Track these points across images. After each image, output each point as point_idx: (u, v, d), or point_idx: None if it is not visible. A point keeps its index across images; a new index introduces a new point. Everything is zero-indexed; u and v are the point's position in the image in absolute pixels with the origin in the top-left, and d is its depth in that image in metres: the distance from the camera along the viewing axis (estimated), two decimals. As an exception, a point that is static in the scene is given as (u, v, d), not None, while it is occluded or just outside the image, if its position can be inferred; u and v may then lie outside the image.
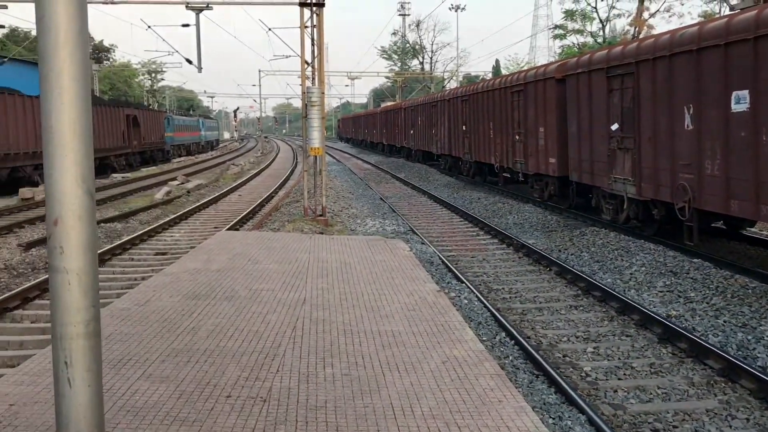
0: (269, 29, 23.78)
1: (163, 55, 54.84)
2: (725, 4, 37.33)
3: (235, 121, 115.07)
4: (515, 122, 20.71)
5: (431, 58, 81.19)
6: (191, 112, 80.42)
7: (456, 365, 5.71)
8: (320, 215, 16.26)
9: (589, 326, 8.55)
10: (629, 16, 46.57)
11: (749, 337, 7.63)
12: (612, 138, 14.45)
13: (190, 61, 26.78)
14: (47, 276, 10.92)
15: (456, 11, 59.96)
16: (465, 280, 10.59)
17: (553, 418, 5.73)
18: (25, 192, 22.99)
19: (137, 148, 41.84)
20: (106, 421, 3.59)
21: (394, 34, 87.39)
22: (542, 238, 14.63)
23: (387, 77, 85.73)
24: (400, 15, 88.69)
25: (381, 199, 22.64)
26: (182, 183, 28.83)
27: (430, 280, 9.05)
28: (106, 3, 22.36)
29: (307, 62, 16.82)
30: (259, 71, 61.86)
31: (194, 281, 8.88)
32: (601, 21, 47.68)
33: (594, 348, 7.71)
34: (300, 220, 15.84)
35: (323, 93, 16.31)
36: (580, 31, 49.34)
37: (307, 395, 5.05)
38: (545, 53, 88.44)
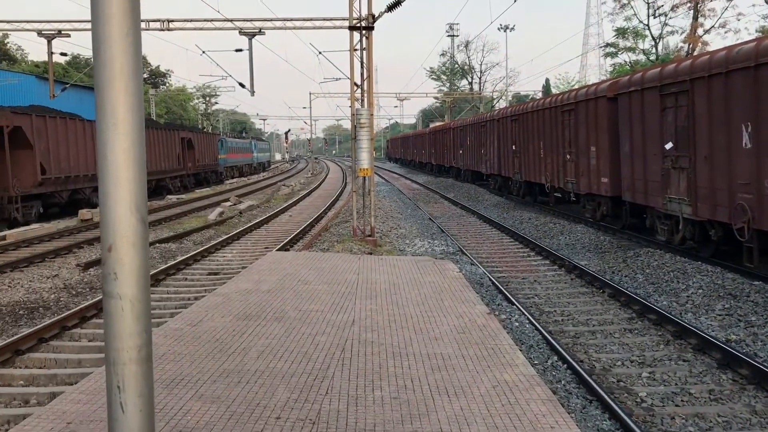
0: (320, 53, 24.13)
1: (217, 79, 56.08)
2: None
3: (286, 142, 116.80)
4: (566, 141, 20.47)
5: (480, 78, 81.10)
6: (244, 134, 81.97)
7: (507, 390, 5.61)
8: (369, 235, 16.30)
9: (644, 350, 8.32)
10: (683, 33, 45.73)
11: (815, 364, 7.30)
12: (666, 157, 14.13)
13: (243, 85, 27.37)
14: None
15: (505, 31, 59.84)
16: (516, 302, 10.44)
17: (608, 446, 5.57)
18: (85, 213, 23.72)
19: (192, 170, 42.80)
20: (159, 442, 3.63)
21: (442, 54, 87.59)
22: (595, 260, 14.36)
23: (436, 98, 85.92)
24: (448, 36, 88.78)
25: (430, 219, 22.60)
26: (235, 204, 29.32)
27: (480, 301, 8.95)
28: (162, 30, 23.08)
29: (356, 84, 16.98)
30: (310, 93, 62.76)
31: (245, 302, 8.98)
32: (653, 38, 46.93)
33: (650, 373, 7.49)
34: (349, 240, 15.91)
35: (372, 115, 16.43)
36: (631, 49, 48.63)
37: (356, 418, 5.02)
38: (596, 72, 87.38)
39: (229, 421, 4.96)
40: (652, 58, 46.51)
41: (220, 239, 18.04)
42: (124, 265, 2.08)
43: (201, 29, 23.34)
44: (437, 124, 61.92)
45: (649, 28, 46.64)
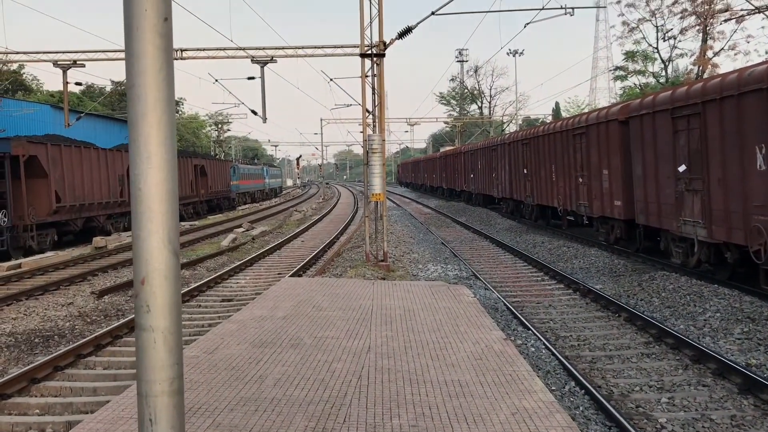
0: (331, 79, 24.35)
1: (229, 106, 56.75)
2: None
3: (298, 168, 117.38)
4: (578, 165, 20.46)
5: (490, 102, 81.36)
6: (256, 160, 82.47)
7: (526, 417, 5.55)
8: (382, 260, 16.29)
9: (662, 375, 8.22)
10: (692, 55, 45.78)
11: (838, 389, 7.19)
12: (680, 179, 14.09)
13: (255, 112, 27.62)
14: (119, 322, 11.25)
15: (514, 56, 60.16)
16: (531, 327, 10.38)
17: (630, 474, 5.49)
18: (99, 241, 23.88)
19: (204, 197, 43.06)
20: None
21: (452, 80, 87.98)
22: (610, 283, 14.27)
23: (446, 122, 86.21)
24: (458, 61, 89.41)
25: (442, 243, 22.58)
26: (247, 230, 29.42)
27: (496, 327, 8.90)
28: (176, 59, 23.38)
29: (368, 111, 17.09)
30: (321, 120, 63.43)
31: (260, 328, 8.97)
32: (663, 61, 47.01)
33: (669, 398, 7.39)
34: (362, 265, 15.90)
35: (384, 140, 16.52)
36: (641, 72, 48.73)
37: (374, 446, 4.98)
38: (606, 95, 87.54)
39: (248, 450, 4.93)
40: (662, 80, 46.57)
41: (234, 265, 18.08)
42: (156, 298, 2.09)
43: (214, 57, 23.62)
44: (448, 148, 62.10)
45: (658, 51, 46.78)
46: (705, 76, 40.35)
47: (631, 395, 7.59)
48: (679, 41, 47.37)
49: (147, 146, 2.09)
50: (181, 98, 78.05)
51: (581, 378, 7.84)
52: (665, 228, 14.98)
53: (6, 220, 21.44)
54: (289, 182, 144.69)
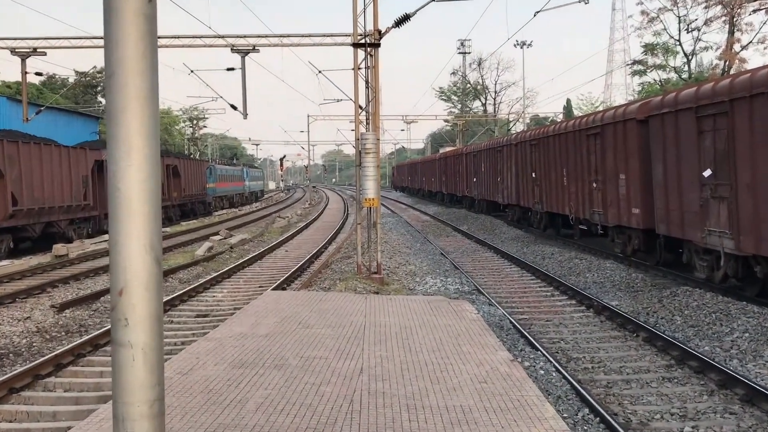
0: (319, 72, 24.35)
1: (206, 100, 56.53)
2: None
3: (281, 169, 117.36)
4: (591, 168, 20.54)
5: (495, 98, 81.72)
6: (235, 160, 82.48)
7: (535, 446, 5.55)
8: (375, 273, 16.30)
9: (685, 401, 8.25)
10: (717, 48, 46.11)
11: None
12: (704, 185, 14.16)
13: (234, 107, 27.64)
14: (82, 339, 11.20)
15: (522, 48, 60.37)
16: (540, 348, 10.40)
17: None
18: (59, 248, 23.77)
19: (177, 201, 43.00)
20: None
21: (453, 73, 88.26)
22: (627, 299, 14.32)
23: (446, 120, 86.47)
24: (459, 53, 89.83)
25: (442, 254, 22.61)
26: (225, 238, 29.38)
27: (502, 347, 8.91)
28: (148, 47, 23.39)
29: (360, 107, 17.13)
30: (308, 116, 63.06)
31: (240, 347, 8.96)
32: (685, 55, 47.29)
33: (692, 427, 7.41)
34: (353, 278, 15.91)
35: (378, 139, 16.55)
36: (662, 67, 49.01)
37: (367, 479, 4.97)
38: (622, 91, 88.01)
39: (227, 482, 4.92)
40: (685, 76, 46.86)
41: (210, 277, 18.06)
42: (136, 310, 2.08)
43: (190, 46, 23.63)
44: (448, 149, 62.24)
45: (680, 44, 47.06)
46: (732, 71, 40.62)
47: (651, 423, 7.61)
48: (704, 33, 47.78)
49: (128, 141, 2.09)
50: (153, 91, 77.77)
51: (596, 404, 7.85)
52: (688, 239, 15.04)
53: (-44, 224, 21.34)
54: (272, 185, 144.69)
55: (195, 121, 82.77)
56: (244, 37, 23.33)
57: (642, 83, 53.70)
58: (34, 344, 11.88)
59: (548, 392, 8.32)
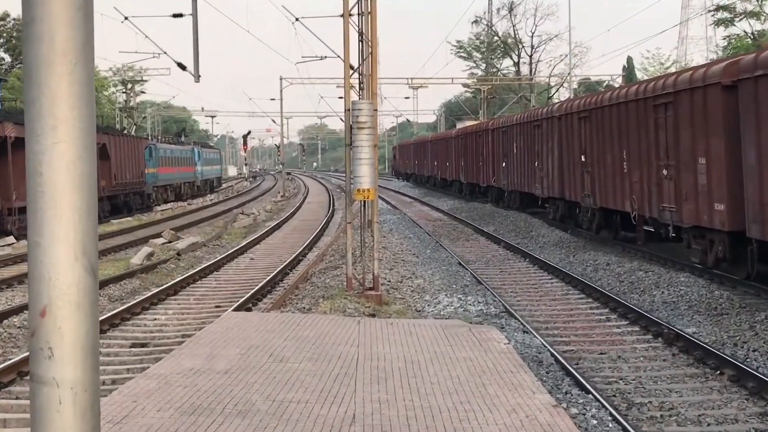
0: (296, 19, 24.34)
1: (145, 57, 56.31)
2: None
3: (245, 150, 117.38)
4: (660, 149, 20.54)
5: (531, 56, 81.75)
6: (183, 138, 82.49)
7: None
8: (371, 288, 16.30)
9: (787, 463, 8.25)
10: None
11: None
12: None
13: (183, 66, 27.70)
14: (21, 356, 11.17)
15: (567, -12, 60.46)
16: (592, 390, 10.39)
17: None
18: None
19: (106, 191, 42.98)
20: None
21: (475, 22, 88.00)
22: (707, 325, 14.31)
23: (465, 85, 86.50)
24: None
25: (460, 264, 22.60)
26: (170, 241, 29.39)
27: (541, 388, 8.90)
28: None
29: (352, 67, 17.11)
30: (281, 79, 62.74)
31: (192, 387, 8.95)
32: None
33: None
34: (341, 295, 15.91)
35: (376, 110, 16.55)
36: (755, 15, 48.99)
37: None
38: (702, 47, 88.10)
39: None
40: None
41: (149, 293, 18.05)
42: (63, 337, 2.06)
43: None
44: (468, 123, 62.27)
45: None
46: None
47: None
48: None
49: (53, 110, 2.06)
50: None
51: (667, 465, 7.84)
52: (790, 244, 15.04)
53: None
54: (233, 171, 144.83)
55: (130, 85, 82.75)
56: (197, -28, 23.34)
57: (728, 36, 53.67)
58: None
59: (603, 449, 8.32)
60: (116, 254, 26.82)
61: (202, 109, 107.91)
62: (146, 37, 35.26)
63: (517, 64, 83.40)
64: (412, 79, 73.85)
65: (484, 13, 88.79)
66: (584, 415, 9.37)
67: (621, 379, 11.39)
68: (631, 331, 14.35)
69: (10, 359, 12.35)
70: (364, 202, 16.81)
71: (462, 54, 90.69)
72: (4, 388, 11.29)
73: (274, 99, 75.03)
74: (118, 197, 45.88)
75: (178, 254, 25.77)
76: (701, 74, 18.74)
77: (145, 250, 25.74)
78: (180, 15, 26.95)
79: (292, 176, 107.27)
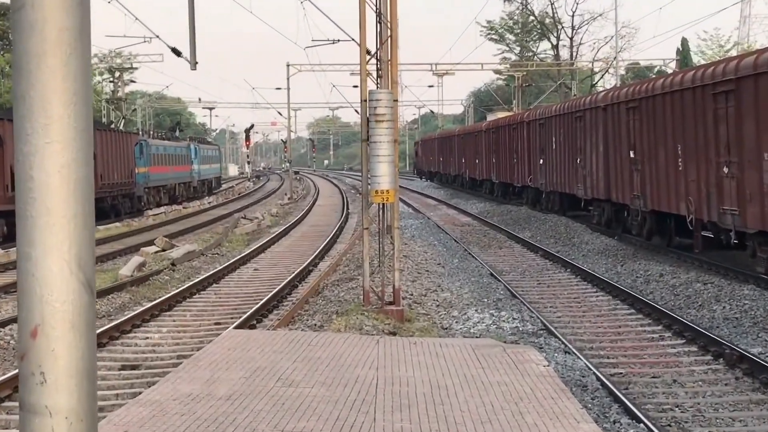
0: (306, -2, 24.36)
1: (135, 42, 56.57)
2: None
3: (247, 146, 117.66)
4: (720, 144, 20.45)
5: (572, 38, 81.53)
6: (178, 133, 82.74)
7: None
8: (390, 303, 16.28)
9: None
10: None
11: None
12: None
13: (177, 52, 27.80)
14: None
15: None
16: (644, 418, 10.35)
17: None
18: None
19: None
20: None
21: (508, 0, 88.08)
22: (776, 344, 14.25)
23: (497, 72, 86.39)
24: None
25: (492, 275, 22.56)
26: (163, 250, 29.46)
27: (586, 417, 8.88)
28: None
29: (368, 51, 17.11)
30: (288, 65, 62.90)
31: (191, 416, 8.96)
32: None
33: None
34: (357, 311, 15.90)
35: (396, 101, 16.54)
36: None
37: None
38: (766, 27, 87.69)
39: None
40: None
41: (142, 309, 18.08)
42: (57, 360, 2.07)
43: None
44: (500, 115, 62.21)
45: None
46: None
47: None
48: None
49: (45, 107, 2.08)
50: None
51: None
52: None
53: None
54: (234, 170, 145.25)
55: (117, 73, 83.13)
56: (193, -55, 23.42)
57: (797, 15, 53.37)
58: None
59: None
60: (103, 264, 26.89)
61: (200, 100, 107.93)
62: (136, 19, 35.44)
63: (555, 48, 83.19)
64: (436, 65, 74.02)
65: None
66: (635, 447, 9.35)
67: (677, 406, 11.34)
68: (688, 351, 14.28)
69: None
70: (383, 204, 16.78)
71: (493, 36, 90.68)
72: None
73: (280, 88, 75.05)
74: (105, 200, 46.02)
75: (173, 264, 25.82)
76: (767, 58, 18.65)
77: (136, 259, 25.80)
78: (174, -6, 27.03)
79: (301, 176, 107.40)
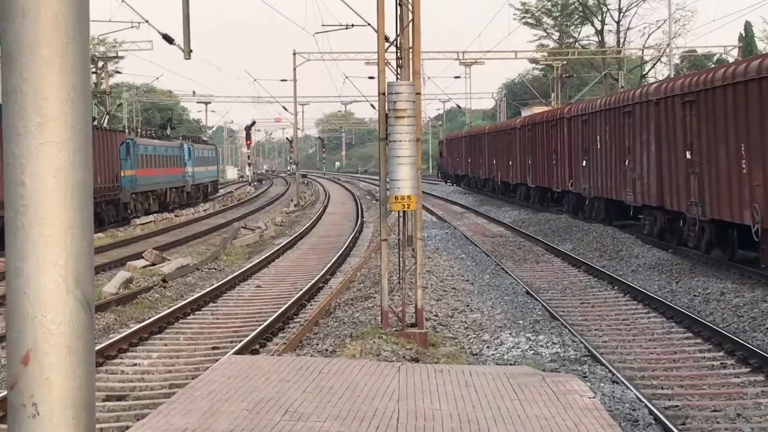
0: (316, -23, 24.44)
1: (122, 28, 56.73)
2: None
3: (248, 145, 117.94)
4: (791, 144, 20.40)
5: (618, 23, 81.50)
6: (169, 131, 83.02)
7: None
8: (412, 325, 16.27)
9: None
10: None
11: None
12: None
13: (169, 39, 27.88)
14: None
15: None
16: (704, 458, 10.33)
17: None
18: None
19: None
20: None
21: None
22: None
23: (533, 60, 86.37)
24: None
25: (528, 293, 22.53)
26: (152, 264, 29.54)
27: (638, 456, 8.85)
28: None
29: (387, 38, 17.13)
30: (295, 54, 62.87)
31: (183, 454, 8.97)
32: None
33: None
34: (375, 334, 15.90)
35: (419, 94, 16.54)
36: None
37: None
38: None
39: None
40: None
41: (128, 331, 18.11)
42: (52, 390, 2.08)
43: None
44: (537, 110, 62.16)
45: None
46: None
47: None
48: None
49: (39, 104, 2.08)
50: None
51: None
52: None
53: None
54: (232, 173, 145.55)
55: (101, 63, 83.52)
56: None
57: None
58: None
59: None
60: (84, 280, 26.97)
61: (194, 93, 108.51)
62: (123, 1, 35.50)
63: (600, 33, 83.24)
64: (463, 53, 74.02)
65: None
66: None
67: (742, 445, 11.32)
68: (754, 381, 14.22)
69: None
70: (404, 212, 16.78)
71: (528, 20, 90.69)
72: None
73: (285, 80, 75.47)
74: (87, 207, 46.26)
75: (164, 280, 25.86)
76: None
77: (122, 275, 25.87)
78: (166, -27, 27.16)
79: (309, 180, 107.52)
